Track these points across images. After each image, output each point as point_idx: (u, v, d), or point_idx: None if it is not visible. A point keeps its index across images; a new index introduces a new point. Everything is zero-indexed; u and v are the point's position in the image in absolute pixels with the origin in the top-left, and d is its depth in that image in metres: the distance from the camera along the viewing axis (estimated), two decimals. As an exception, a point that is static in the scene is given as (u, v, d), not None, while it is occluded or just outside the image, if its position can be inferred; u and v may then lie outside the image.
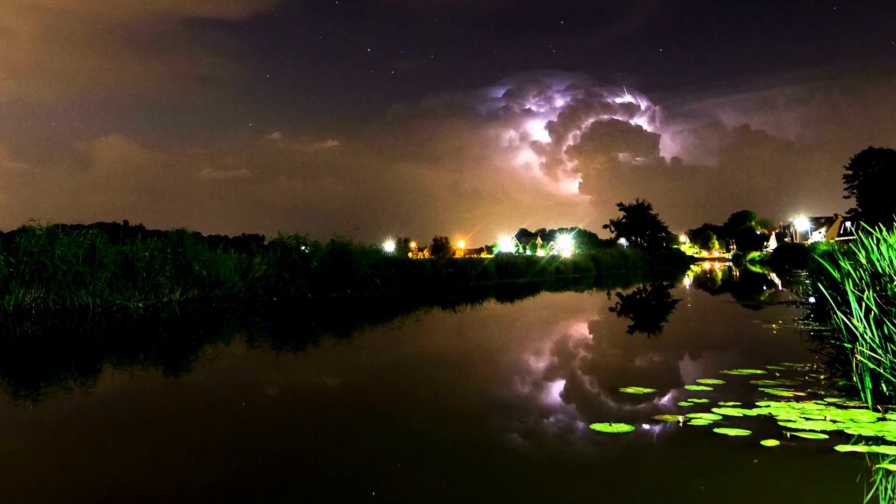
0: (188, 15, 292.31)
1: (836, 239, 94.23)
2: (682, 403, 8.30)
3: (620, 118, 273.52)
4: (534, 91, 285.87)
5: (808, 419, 7.31)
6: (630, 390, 9.23)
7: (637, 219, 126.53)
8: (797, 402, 8.20)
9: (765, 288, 40.79)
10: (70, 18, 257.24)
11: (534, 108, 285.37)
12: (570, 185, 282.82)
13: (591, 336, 17.75)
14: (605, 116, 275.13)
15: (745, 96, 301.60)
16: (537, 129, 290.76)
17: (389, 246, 56.58)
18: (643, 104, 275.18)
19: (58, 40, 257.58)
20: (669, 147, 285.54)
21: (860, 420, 7.16)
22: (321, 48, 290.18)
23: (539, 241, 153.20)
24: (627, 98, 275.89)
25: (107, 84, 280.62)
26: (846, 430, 6.82)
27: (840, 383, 9.08)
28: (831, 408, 7.79)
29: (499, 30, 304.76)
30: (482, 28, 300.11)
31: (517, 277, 51.85)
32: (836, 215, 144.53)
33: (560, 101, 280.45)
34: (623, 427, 7.26)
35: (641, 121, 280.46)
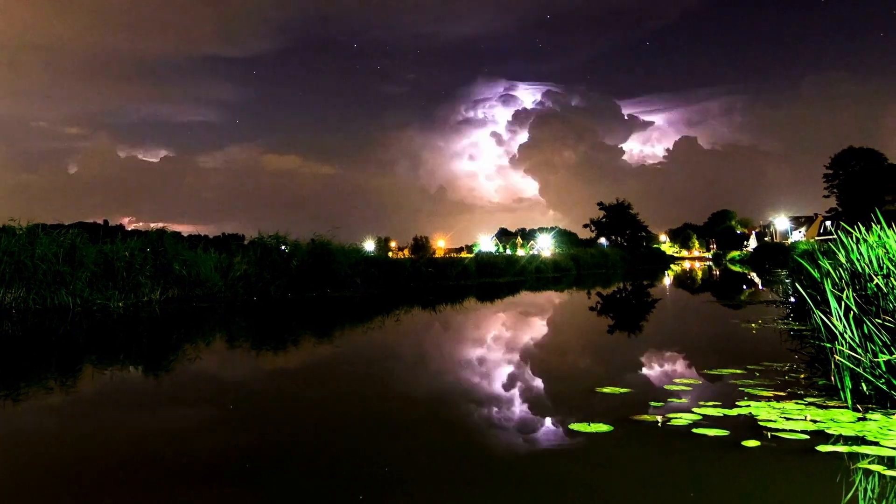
0: (190, 54, 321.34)
1: (817, 238, 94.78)
2: (662, 403, 8.29)
3: (583, 127, 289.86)
4: (502, 102, 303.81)
5: (788, 419, 7.30)
6: (609, 390, 9.22)
7: (617, 218, 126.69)
8: (777, 401, 8.20)
9: (745, 287, 40.91)
10: (73, 54, 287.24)
11: (500, 117, 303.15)
12: (535, 188, 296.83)
13: (571, 336, 17.77)
14: (568, 124, 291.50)
15: (688, 108, 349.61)
16: (504, 137, 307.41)
17: (369, 245, 56.55)
18: (606, 113, 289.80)
19: (61, 71, 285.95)
20: (629, 152, 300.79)
21: (840, 420, 7.16)
22: (307, 81, 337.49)
23: (519, 240, 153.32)
24: (589, 107, 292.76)
25: (105, 104, 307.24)
26: (826, 430, 6.82)
27: (820, 383, 9.10)
28: (811, 408, 7.79)
29: (471, 55, 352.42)
30: (456, 55, 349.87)
31: (497, 277, 51.91)
32: (816, 214, 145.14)
33: (528, 110, 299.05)
34: (602, 427, 7.24)
35: (604, 129, 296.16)
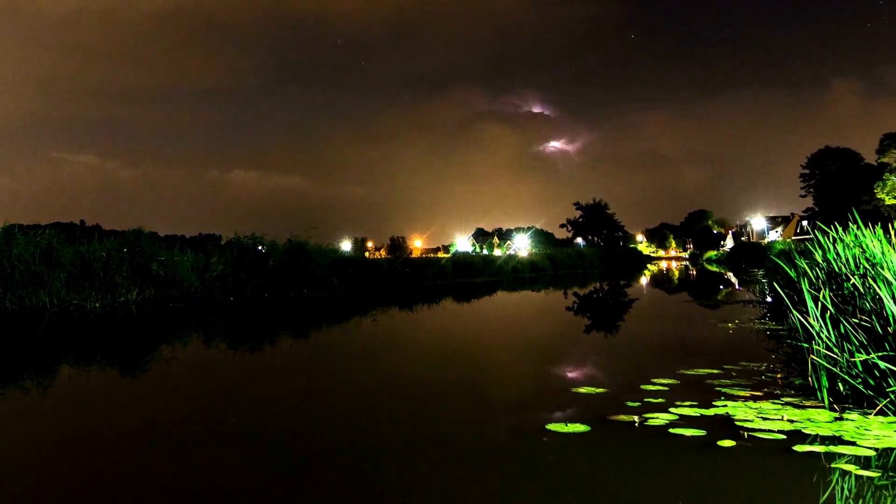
0: (175, 86, 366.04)
1: (793, 238, 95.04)
2: (639, 403, 8.27)
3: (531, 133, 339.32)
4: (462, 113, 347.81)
5: (765, 419, 7.30)
6: (586, 390, 9.19)
7: (594, 218, 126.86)
8: (754, 401, 8.20)
9: (721, 287, 41.07)
10: (64, 85, 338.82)
11: (461, 123, 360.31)
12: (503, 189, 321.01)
13: (548, 336, 17.75)
14: (520, 128, 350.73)
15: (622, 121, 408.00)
16: (467, 142, 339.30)
17: (346, 245, 56.50)
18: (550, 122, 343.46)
19: (56, 99, 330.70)
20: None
21: (817, 420, 7.16)
22: (284, 108, 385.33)
23: (496, 240, 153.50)
24: (538, 116, 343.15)
25: (92, 126, 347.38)
26: (803, 430, 6.81)
27: (797, 383, 9.11)
28: (788, 407, 7.78)
29: (433, 83, 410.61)
30: (421, 80, 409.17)
31: (474, 277, 51.85)
32: (792, 214, 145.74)
33: (484, 114, 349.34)
34: (579, 427, 7.21)
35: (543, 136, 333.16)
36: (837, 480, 5.49)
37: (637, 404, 8.22)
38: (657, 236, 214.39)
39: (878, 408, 7.23)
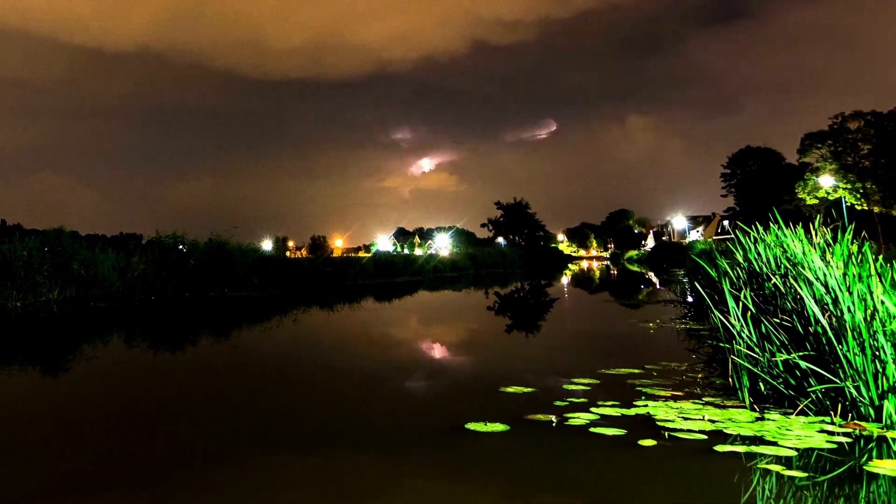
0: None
1: (714, 238, 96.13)
2: (559, 403, 8.22)
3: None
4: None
5: (686, 419, 7.29)
6: (506, 389, 9.14)
7: (515, 217, 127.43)
8: (675, 401, 8.20)
9: (642, 287, 41.44)
10: None
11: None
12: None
13: (468, 335, 17.73)
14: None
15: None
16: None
17: (267, 245, 56.13)
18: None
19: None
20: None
21: (738, 420, 7.16)
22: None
23: (417, 239, 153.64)
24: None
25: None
26: (725, 430, 6.81)
27: (718, 382, 9.14)
28: (709, 407, 7.78)
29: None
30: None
31: (395, 276, 51.94)
32: (713, 214, 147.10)
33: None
34: (498, 427, 7.16)
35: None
36: (759, 480, 5.48)
37: (558, 404, 8.18)
38: (578, 236, 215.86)
39: (799, 408, 7.26)
